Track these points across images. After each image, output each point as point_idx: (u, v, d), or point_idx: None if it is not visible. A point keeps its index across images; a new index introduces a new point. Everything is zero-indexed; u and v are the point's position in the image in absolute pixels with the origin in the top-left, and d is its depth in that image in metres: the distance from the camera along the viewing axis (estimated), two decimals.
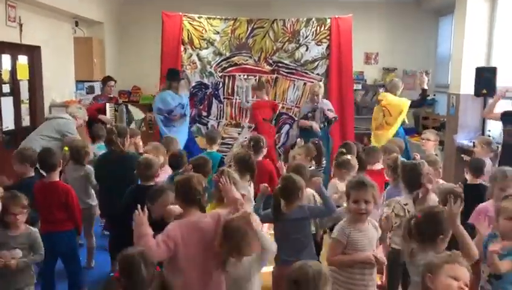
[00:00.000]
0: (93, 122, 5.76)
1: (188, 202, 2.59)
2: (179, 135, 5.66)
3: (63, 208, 3.54)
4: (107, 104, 6.46)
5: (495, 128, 6.31)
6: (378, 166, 4.47)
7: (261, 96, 6.38)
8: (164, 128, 5.86)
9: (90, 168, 4.33)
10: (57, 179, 3.63)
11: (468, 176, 4.01)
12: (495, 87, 5.82)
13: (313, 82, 6.56)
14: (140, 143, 4.84)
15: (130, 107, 7.05)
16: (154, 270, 2.16)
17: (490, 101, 5.74)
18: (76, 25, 7.51)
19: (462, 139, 6.64)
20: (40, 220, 3.55)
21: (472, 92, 6.15)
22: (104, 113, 6.41)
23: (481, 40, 6.72)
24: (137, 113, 7.70)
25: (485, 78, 5.89)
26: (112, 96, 6.74)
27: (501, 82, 5.91)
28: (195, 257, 2.47)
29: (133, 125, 6.91)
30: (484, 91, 5.90)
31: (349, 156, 4.19)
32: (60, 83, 6.98)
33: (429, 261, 2.07)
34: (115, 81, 6.86)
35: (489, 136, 6.25)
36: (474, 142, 5.16)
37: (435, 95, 8.86)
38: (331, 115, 6.12)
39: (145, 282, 2.09)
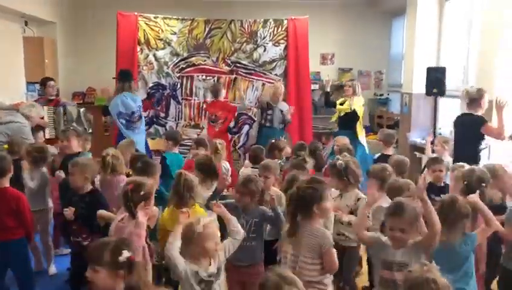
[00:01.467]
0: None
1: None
2: (141, 136, 5.75)
3: (13, 215, 3.38)
4: (45, 108, 6.18)
5: (445, 127, 6.58)
6: None
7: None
8: (126, 131, 5.72)
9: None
10: (7, 185, 3.45)
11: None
12: (445, 87, 6.06)
13: (271, 82, 6.60)
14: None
15: (70, 107, 6.63)
16: None
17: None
18: (26, 25, 7.23)
19: (415, 137, 6.88)
20: None
21: (424, 91, 6.38)
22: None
23: (431, 40, 7.00)
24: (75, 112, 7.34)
25: (436, 78, 6.12)
26: (52, 98, 6.42)
27: (449, 82, 6.16)
28: None
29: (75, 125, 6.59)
30: (435, 90, 6.13)
31: (306, 157, 4.26)
32: (9, 84, 6.71)
33: None
34: (55, 82, 6.61)
35: (440, 134, 6.52)
36: (432, 141, 5.33)
37: (388, 94, 9.14)
38: (287, 117, 6.32)
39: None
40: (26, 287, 3.55)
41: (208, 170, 3.76)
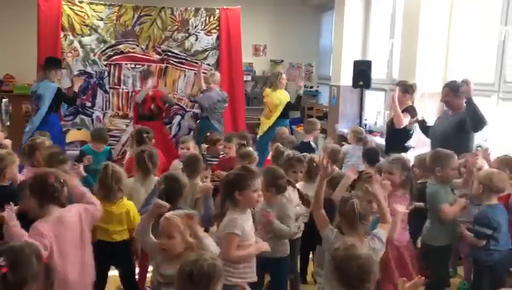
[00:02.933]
0: None
1: (45, 199, 2.47)
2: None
3: None
4: None
5: (370, 118, 6.89)
6: None
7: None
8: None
9: None
10: None
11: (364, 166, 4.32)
12: (370, 79, 6.32)
13: (204, 73, 6.51)
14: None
15: None
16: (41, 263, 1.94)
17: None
18: None
19: (343, 127, 7.13)
20: None
21: (351, 83, 6.62)
22: None
23: (358, 34, 7.27)
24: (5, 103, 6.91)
25: (362, 71, 6.37)
26: None
27: (375, 74, 6.44)
28: (69, 253, 2.43)
29: None
30: (361, 83, 6.38)
31: (250, 148, 4.29)
32: None
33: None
34: None
35: (365, 124, 6.81)
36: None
37: (318, 86, 9.39)
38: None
39: (36, 275, 1.87)
40: None
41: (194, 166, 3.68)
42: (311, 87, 9.46)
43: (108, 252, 3.07)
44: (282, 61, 9.30)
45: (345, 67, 7.16)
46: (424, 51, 5.41)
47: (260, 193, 2.70)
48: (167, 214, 2.31)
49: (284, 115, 6.50)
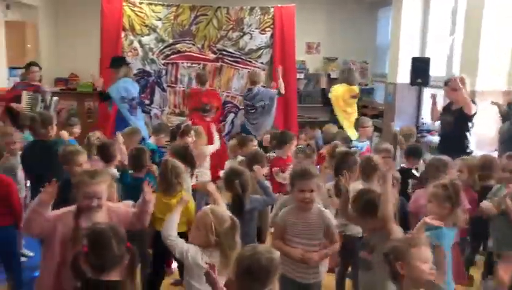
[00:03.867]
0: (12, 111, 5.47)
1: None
2: (141, 123, 5.71)
3: (1, 202, 3.32)
4: (24, 92, 5.91)
5: (428, 116, 6.66)
6: None
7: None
8: (131, 117, 5.63)
9: (14, 159, 4.06)
10: None
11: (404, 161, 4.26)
12: (429, 77, 6.12)
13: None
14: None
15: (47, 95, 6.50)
16: (125, 246, 2.03)
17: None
18: (8, 8, 7.06)
19: (399, 126, 6.94)
20: None
21: (408, 81, 6.44)
22: (20, 101, 5.84)
23: (416, 31, 7.05)
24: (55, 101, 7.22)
25: (420, 68, 6.18)
26: (34, 83, 6.08)
27: (434, 72, 6.23)
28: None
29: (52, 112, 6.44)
30: (419, 80, 6.20)
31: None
32: None
33: (393, 247, 2.06)
34: (40, 68, 6.45)
35: (423, 123, 6.61)
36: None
37: (373, 84, 9.20)
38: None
39: (116, 258, 1.97)
40: (15, 273, 3.49)
41: (184, 158, 3.75)
42: (366, 84, 9.27)
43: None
44: (336, 58, 9.18)
45: (402, 64, 6.97)
46: (487, 47, 5.17)
47: None
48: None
49: None
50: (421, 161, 4.30)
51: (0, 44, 6.96)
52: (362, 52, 9.10)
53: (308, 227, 2.73)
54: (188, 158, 3.80)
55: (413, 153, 4.25)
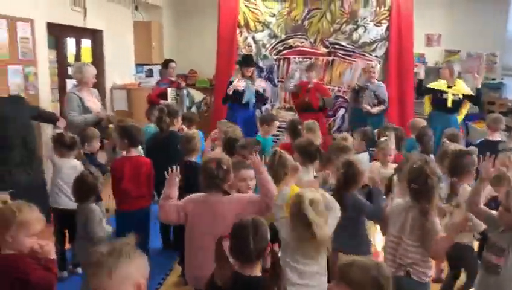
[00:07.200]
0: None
1: (207, 185, 2.63)
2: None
3: (146, 183, 3.53)
4: (169, 89, 6.33)
5: None
6: None
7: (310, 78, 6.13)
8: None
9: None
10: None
11: None
12: None
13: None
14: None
15: (190, 89, 6.91)
16: (266, 245, 2.02)
17: None
18: (136, 9, 7.69)
19: None
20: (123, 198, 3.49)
21: None
22: (166, 98, 6.31)
23: None
24: (198, 95, 7.72)
25: None
26: (173, 80, 6.51)
27: None
28: (205, 229, 2.52)
29: (193, 109, 6.81)
30: None
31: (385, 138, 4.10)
32: (120, 66, 7.19)
33: None
34: (175, 62, 6.86)
35: None
36: None
37: (502, 78, 8.35)
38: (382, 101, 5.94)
39: (252, 253, 1.97)
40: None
41: (307, 153, 3.68)
42: (493, 79, 8.45)
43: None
44: (458, 51, 8.49)
45: None
46: None
47: None
48: None
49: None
50: None
51: (129, 43, 7.61)
52: (489, 43, 8.30)
53: None
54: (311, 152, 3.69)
55: None
